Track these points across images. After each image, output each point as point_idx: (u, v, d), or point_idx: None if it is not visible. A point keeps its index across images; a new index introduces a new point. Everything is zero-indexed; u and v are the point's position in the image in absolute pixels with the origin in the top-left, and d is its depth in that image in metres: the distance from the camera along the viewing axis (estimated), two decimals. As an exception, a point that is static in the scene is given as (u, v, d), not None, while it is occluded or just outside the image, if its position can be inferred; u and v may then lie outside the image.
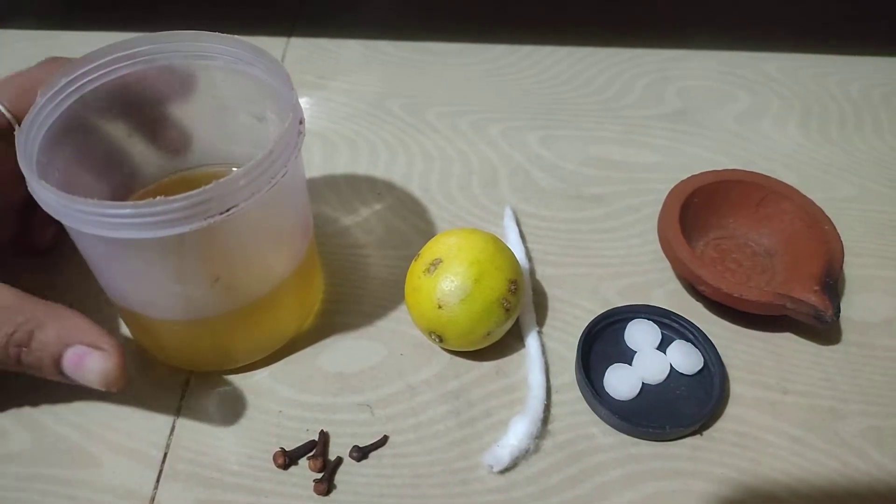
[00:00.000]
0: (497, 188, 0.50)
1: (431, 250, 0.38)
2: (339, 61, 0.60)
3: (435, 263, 0.37)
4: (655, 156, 0.52)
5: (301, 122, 0.34)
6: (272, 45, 0.61)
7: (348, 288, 0.44)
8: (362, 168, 0.51)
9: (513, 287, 0.37)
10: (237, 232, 0.32)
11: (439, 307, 0.36)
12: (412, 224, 0.47)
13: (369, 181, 0.50)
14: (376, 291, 0.43)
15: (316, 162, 0.51)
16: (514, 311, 0.38)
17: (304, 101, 0.56)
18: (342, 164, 0.51)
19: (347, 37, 0.62)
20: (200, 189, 0.29)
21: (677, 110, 0.56)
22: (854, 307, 0.43)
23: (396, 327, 0.41)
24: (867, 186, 0.50)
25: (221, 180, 0.29)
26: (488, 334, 0.37)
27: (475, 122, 0.54)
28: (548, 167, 0.51)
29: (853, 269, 0.45)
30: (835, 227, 0.42)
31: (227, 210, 0.30)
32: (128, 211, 0.28)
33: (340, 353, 0.40)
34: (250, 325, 0.37)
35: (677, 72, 0.60)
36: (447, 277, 0.37)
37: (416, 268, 0.38)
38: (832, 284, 0.39)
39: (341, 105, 0.56)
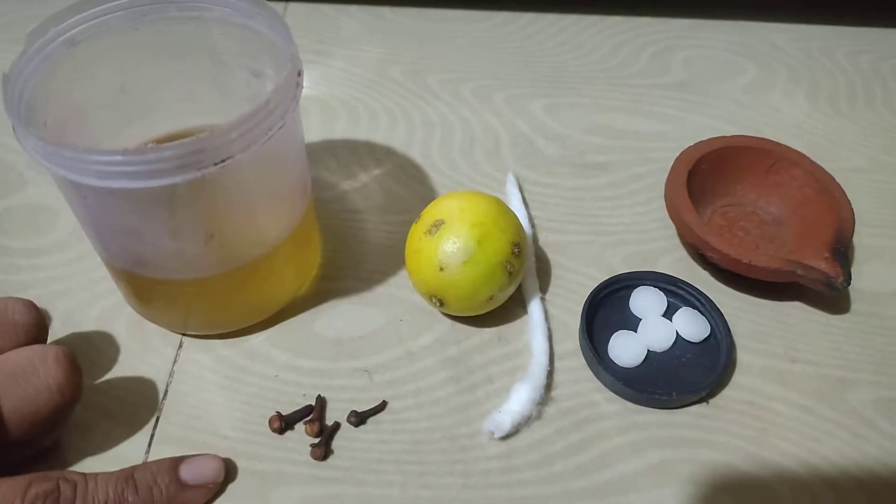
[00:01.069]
0: (500, 155, 0.48)
1: (433, 212, 0.37)
2: (340, 27, 0.59)
3: (437, 225, 0.36)
4: (661, 125, 0.51)
5: (300, 74, 0.32)
6: (270, 10, 0.59)
7: (346, 253, 0.42)
8: (362, 134, 0.50)
9: (516, 250, 0.36)
10: (232, 187, 0.31)
11: (441, 269, 0.35)
12: (412, 189, 0.46)
13: (369, 147, 0.49)
14: (375, 257, 0.42)
15: (314, 127, 0.50)
16: (518, 274, 0.37)
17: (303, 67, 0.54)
18: (341, 130, 0.50)
19: (348, 2, 0.61)
20: (193, 137, 0.27)
21: (684, 80, 0.55)
22: (864, 277, 0.42)
23: (396, 293, 0.40)
24: (878, 157, 0.49)
25: (215, 129, 0.28)
26: (491, 298, 0.36)
27: (478, 90, 0.53)
28: (552, 135, 0.50)
29: (863, 238, 0.44)
30: (845, 194, 0.41)
31: (222, 161, 0.29)
32: (117, 158, 0.27)
33: (338, 318, 0.39)
34: (245, 288, 0.36)
35: (684, 41, 0.58)
36: (449, 239, 0.35)
37: (417, 230, 0.37)
38: (843, 251, 0.38)
39: (340, 71, 0.55)
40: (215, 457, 0.32)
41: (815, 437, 0.35)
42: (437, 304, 0.37)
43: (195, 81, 0.39)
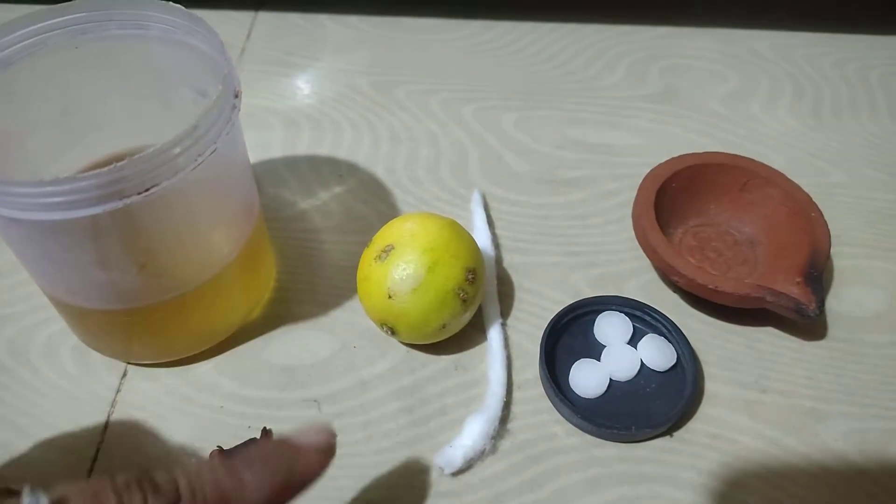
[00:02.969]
0: (466, 171, 0.47)
1: (384, 236, 0.36)
2: (309, 37, 0.57)
3: (386, 250, 0.35)
4: (636, 138, 0.49)
5: (237, 95, 0.31)
6: (239, 19, 0.58)
7: (302, 276, 0.41)
8: (325, 149, 0.48)
9: (470, 276, 0.35)
10: (162, 214, 0.29)
11: (390, 297, 0.34)
12: (374, 208, 0.45)
13: (332, 163, 0.47)
14: (332, 280, 0.41)
15: (276, 142, 0.49)
16: (473, 302, 0.35)
17: (268, 79, 0.53)
18: (304, 146, 0.48)
19: (318, 11, 0.59)
20: (112, 166, 0.26)
21: (662, 91, 0.53)
22: (842, 301, 0.40)
23: (351, 318, 0.39)
24: (860, 172, 0.47)
25: (136, 157, 0.26)
26: (444, 327, 0.35)
27: (447, 102, 0.52)
28: (522, 150, 0.48)
29: (842, 259, 0.42)
30: (822, 215, 0.39)
31: (147, 190, 0.27)
32: (32, 190, 0.26)
33: (290, 345, 0.38)
34: (188, 315, 0.35)
35: (663, 50, 0.57)
36: (399, 265, 0.34)
37: (368, 255, 0.36)
38: (817, 276, 0.36)
39: (307, 83, 0.53)
40: (319, 424, 0.27)
41: (783, 473, 0.33)
42: (389, 332, 0.35)
43: (141, 100, 0.37)
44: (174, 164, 0.28)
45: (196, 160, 0.28)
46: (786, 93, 0.53)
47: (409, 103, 0.51)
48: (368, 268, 0.35)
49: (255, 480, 0.24)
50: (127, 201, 0.27)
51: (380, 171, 0.47)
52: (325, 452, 0.27)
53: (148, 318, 0.33)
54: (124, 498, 0.22)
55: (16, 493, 0.22)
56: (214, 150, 0.29)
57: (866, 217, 0.45)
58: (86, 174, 0.26)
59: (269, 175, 0.46)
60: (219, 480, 0.24)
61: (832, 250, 0.42)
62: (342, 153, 0.48)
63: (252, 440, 0.29)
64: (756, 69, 0.55)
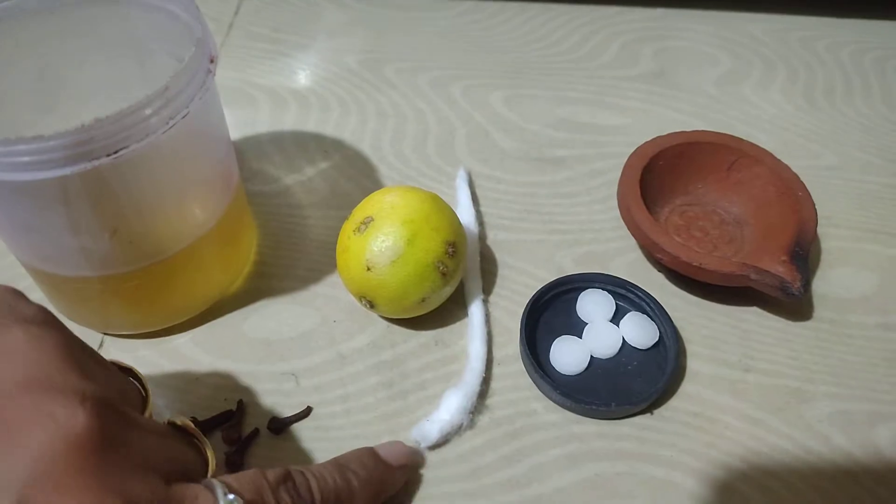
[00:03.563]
0: (453, 149, 0.46)
1: (364, 208, 0.35)
2: (298, 14, 0.57)
3: (366, 222, 0.34)
4: (626, 118, 0.49)
5: (212, 60, 0.30)
6: (228, -4, 0.57)
7: (284, 250, 0.40)
8: (311, 125, 0.48)
9: (451, 250, 0.34)
10: (133, 179, 0.29)
11: (368, 269, 0.33)
12: (358, 184, 0.44)
13: (317, 139, 0.47)
14: (313, 255, 0.40)
15: (262, 118, 0.48)
16: (453, 276, 0.35)
17: (256, 55, 0.52)
18: (290, 122, 0.48)
19: (309, -11, 0.59)
20: (79, 126, 0.25)
21: (654, 72, 0.52)
22: (829, 282, 0.40)
23: (331, 292, 0.38)
24: (852, 155, 0.47)
25: (104, 117, 0.26)
26: (423, 300, 0.34)
27: (436, 80, 0.51)
28: (510, 128, 0.48)
29: (831, 241, 0.42)
30: (809, 195, 0.38)
31: (116, 152, 0.27)
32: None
33: (269, 318, 0.38)
34: (163, 285, 0.34)
35: (657, 32, 0.56)
36: (377, 237, 0.33)
37: (347, 227, 0.35)
38: (802, 255, 0.36)
39: (295, 59, 0.53)
40: (401, 442, 0.32)
41: (764, 453, 0.33)
42: (368, 305, 0.35)
43: (119, 67, 0.37)
44: (144, 127, 0.27)
45: (167, 123, 0.28)
46: (779, 75, 0.52)
47: (397, 81, 0.51)
48: (347, 240, 0.35)
49: (360, 491, 0.28)
50: (96, 163, 0.26)
51: (366, 148, 0.46)
52: (407, 471, 0.31)
53: (121, 286, 0.33)
54: (279, 500, 0.24)
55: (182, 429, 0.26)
56: (187, 114, 0.28)
57: (857, 199, 0.44)
58: (53, 134, 0.25)
59: (253, 150, 0.46)
60: (339, 488, 0.27)
61: (821, 231, 0.42)
62: (329, 129, 0.47)
63: (360, 450, 0.30)
64: (750, 52, 0.54)
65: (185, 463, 0.24)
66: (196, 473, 0.25)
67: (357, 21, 0.56)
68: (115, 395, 0.23)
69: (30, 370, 0.21)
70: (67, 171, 0.26)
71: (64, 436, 0.20)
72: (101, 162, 0.27)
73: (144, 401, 0.27)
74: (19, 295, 0.24)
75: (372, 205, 0.35)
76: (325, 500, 0.26)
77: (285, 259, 0.40)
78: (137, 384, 0.28)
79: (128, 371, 0.28)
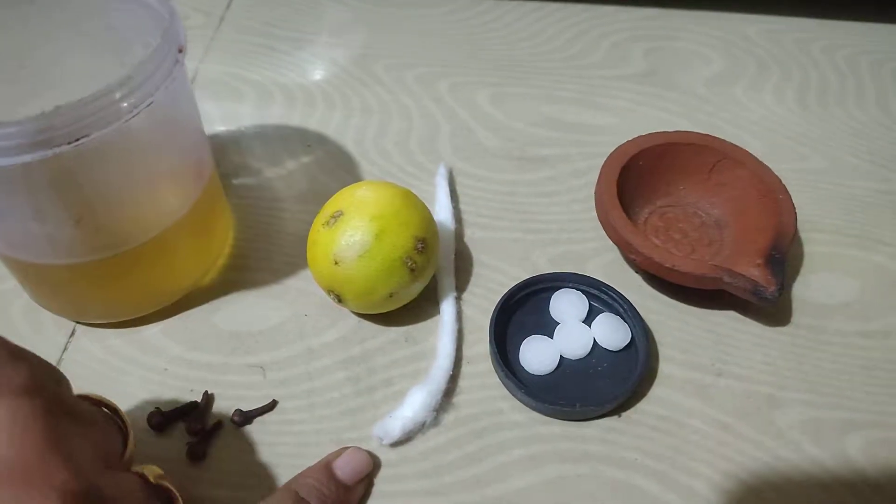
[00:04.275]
0: (435, 145, 0.46)
1: (335, 202, 0.35)
2: (289, 9, 0.57)
3: (335, 216, 0.34)
4: (612, 118, 0.48)
5: (181, 50, 0.31)
6: (221, -11, 0.58)
7: (260, 243, 0.41)
8: (296, 120, 0.48)
9: (420, 246, 0.34)
10: (97, 167, 0.29)
11: (336, 263, 0.33)
12: (339, 179, 0.44)
13: (301, 133, 0.47)
14: (289, 248, 0.40)
15: (247, 112, 0.48)
16: (423, 272, 0.35)
17: (245, 49, 0.52)
18: (275, 116, 0.48)
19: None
20: (40, 113, 0.26)
21: (644, 71, 0.52)
22: (810, 287, 0.39)
23: (305, 286, 0.38)
24: (842, 159, 0.46)
25: (66, 104, 0.26)
26: (391, 296, 0.34)
27: (423, 76, 0.51)
28: (494, 126, 0.47)
29: (815, 245, 0.41)
30: (790, 198, 0.38)
31: (77, 140, 0.27)
32: (-44, 134, 0.25)
33: (241, 311, 0.38)
34: (132, 275, 0.34)
35: (650, 31, 0.55)
36: (346, 231, 0.33)
37: (318, 220, 0.35)
38: (779, 259, 0.35)
39: (283, 54, 0.53)
40: (358, 449, 0.31)
41: (731, 459, 0.33)
42: (336, 299, 0.35)
43: (97, 58, 0.37)
44: (106, 115, 0.27)
45: (131, 112, 0.28)
46: (772, 77, 0.52)
47: (385, 77, 0.51)
48: (317, 233, 0.35)
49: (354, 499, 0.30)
50: (57, 150, 0.27)
51: (349, 143, 0.46)
52: (365, 484, 0.31)
53: (89, 274, 0.33)
54: None
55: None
56: (151, 104, 0.28)
57: (844, 204, 0.43)
58: (12, 120, 0.25)
59: (236, 143, 0.46)
60: (341, 501, 0.29)
61: (805, 236, 0.41)
62: (313, 124, 0.47)
63: (316, 471, 0.30)
64: (744, 53, 0.54)
65: None
66: None
67: (349, 18, 0.56)
68: (97, 471, 0.22)
69: (10, 455, 0.20)
70: (28, 158, 0.26)
71: None
72: (62, 150, 0.27)
73: (125, 439, 0.26)
74: (6, 355, 0.22)
75: (343, 199, 0.35)
76: None
77: (261, 252, 0.40)
78: (119, 422, 0.27)
79: (111, 409, 0.27)
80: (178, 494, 0.26)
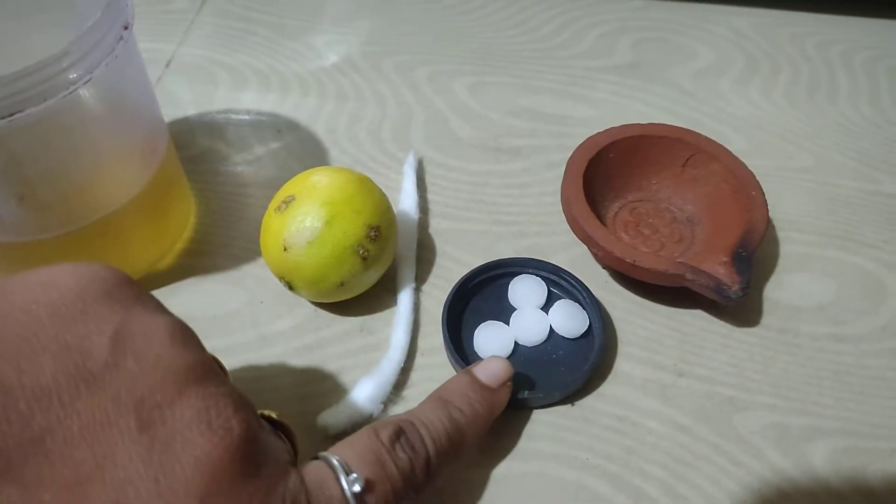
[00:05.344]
0: (408, 134, 0.45)
1: (288, 187, 0.34)
2: (273, -6, 0.56)
3: (287, 201, 0.33)
4: (592, 110, 0.47)
5: (126, 27, 0.30)
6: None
7: (221, 228, 0.40)
8: (268, 105, 0.47)
9: (373, 234, 0.33)
10: (35, 143, 0.28)
11: (285, 249, 0.33)
12: (308, 166, 0.43)
13: (272, 118, 0.46)
14: (250, 234, 0.40)
15: (220, 96, 0.47)
16: (376, 261, 0.34)
17: (224, 33, 0.52)
18: (248, 100, 0.47)
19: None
20: (-31, 87, 0.25)
21: (629, 63, 0.51)
22: (783, 288, 0.38)
23: (263, 273, 0.38)
24: (828, 157, 0.44)
25: (-5, 78, 0.25)
26: (342, 284, 0.34)
27: (401, 64, 0.50)
28: (470, 115, 0.46)
29: (792, 245, 0.40)
30: (763, 194, 0.36)
31: (10, 115, 0.26)
32: None
33: (197, 296, 0.37)
34: (81, 255, 0.34)
35: (638, 22, 0.54)
36: (296, 217, 0.33)
37: (271, 206, 0.34)
38: (745, 257, 0.34)
39: (261, 38, 0.52)
40: (496, 357, 0.31)
41: (688, 463, 0.31)
42: (288, 286, 0.34)
43: (61, 35, 0.36)
44: (41, 90, 0.27)
45: (67, 88, 0.27)
46: (760, 72, 0.50)
47: (362, 64, 0.50)
48: (269, 218, 0.34)
49: (469, 428, 0.28)
50: (-11, 125, 0.26)
51: (320, 130, 0.45)
52: (510, 387, 0.30)
53: (37, 254, 0.33)
54: (397, 462, 0.24)
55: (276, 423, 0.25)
56: (90, 80, 0.28)
57: (827, 203, 0.42)
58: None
59: (206, 127, 0.45)
60: (449, 431, 0.27)
61: (783, 235, 0.40)
62: (285, 110, 0.47)
63: (461, 380, 0.29)
64: (732, 46, 0.52)
65: (288, 450, 0.24)
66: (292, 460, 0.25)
67: (329, 3, 0.55)
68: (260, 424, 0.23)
69: (182, 362, 0.20)
70: (-43, 131, 0.26)
71: (226, 445, 0.20)
72: (-4, 125, 0.26)
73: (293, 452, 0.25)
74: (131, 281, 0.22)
75: (296, 184, 0.34)
76: (438, 449, 0.26)
77: (221, 237, 0.39)
78: (286, 440, 0.25)
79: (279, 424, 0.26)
80: (293, 430, 0.26)
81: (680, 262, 0.33)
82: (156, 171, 0.35)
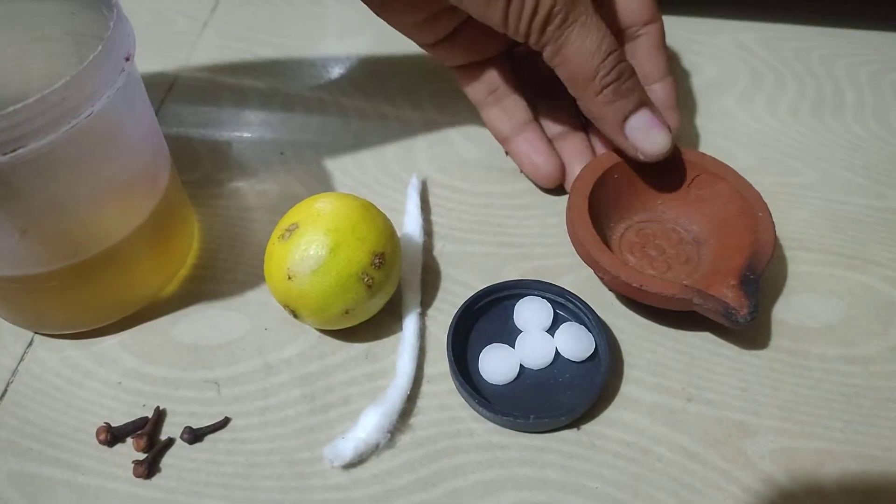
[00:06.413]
0: (412, 156, 0.45)
1: (292, 214, 0.34)
2: (272, 13, 0.56)
3: (290, 229, 0.33)
4: (596, 128, 0.47)
5: (127, 58, 0.30)
6: (208, -6, 0.57)
7: (225, 254, 0.40)
8: (272, 127, 0.47)
9: (377, 261, 0.33)
10: (37, 178, 0.28)
11: (289, 278, 0.32)
12: (311, 189, 0.43)
13: (276, 142, 0.46)
14: (254, 260, 0.39)
15: (224, 118, 0.47)
16: (382, 288, 0.34)
17: (227, 55, 0.52)
18: (252, 122, 0.47)
19: (290, -11, 0.58)
20: (-31, 124, 0.25)
21: (632, 80, 0.50)
22: (792, 309, 0.37)
23: (267, 299, 0.38)
24: (834, 173, 0.44)
25: (-4, 115, 0.25)
26: (347, 312, 0.33)
27: (405, 84, 0.50)
28: (474, 135, 0.46)
29: (800, 264, 0.39)
30: (770, 215, 0.36)
31: (13, 151, 0.26)
32: None
33: (200, 323, 0.37)
34: (85, 287, 0.34)
35: (641, 39, 0.53)
36: (299, 245, 0.32)
37: (275, 233, 0.34)
38: (753, 280, 0.34)
39: (264, 59, 0.52)
40: (669, 139, 0.36)
41: (698, 490, 0.31)
42: (292, 314, 0.34)
43: (60, 65, 0.37)
44: (43, 125, 0.26)
45: (69, 123, 0.27)
46: (765, 87, 0.50)
47: (365, 84, 0.50)
48: (272, 246, 0.34)
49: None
50: (-9, 161, 0.26)
51: (324, 153, 0.45)
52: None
53: (40, 287, 0.32)
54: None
55: None
56: (92, 115, 0.28)
57: (835, 221, 0.42)
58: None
59: (209, 150, 0.45)
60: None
61: (791, 254, 0.40)
62: (288, 133, 0.47)
63: None
64: (737, 61, 0.52)
65: None
66: None
67: (332, 22, 0.55)
68: None
69: None
70: (-39, 169, 0.26)
71: None
72: (-3, 161, 0.26)
73: None
74: None
75: (300, 211, 0.34)
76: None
77: (225, 263, 0.39)
78: None
79: None
80: None
81: (687, 287, 0.33)
82: (159, 200, 0.34)
